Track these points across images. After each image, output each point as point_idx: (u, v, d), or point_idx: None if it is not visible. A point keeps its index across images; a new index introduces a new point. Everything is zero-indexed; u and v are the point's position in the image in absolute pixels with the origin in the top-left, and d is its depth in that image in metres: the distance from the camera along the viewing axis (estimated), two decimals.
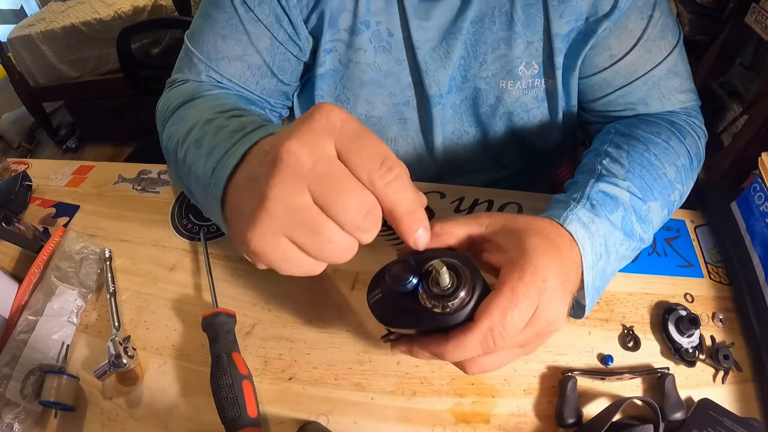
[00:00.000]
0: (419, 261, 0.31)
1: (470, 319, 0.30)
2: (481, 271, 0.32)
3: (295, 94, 0.64)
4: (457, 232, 0.36)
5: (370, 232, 0.28)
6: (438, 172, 0.66)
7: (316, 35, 0.55)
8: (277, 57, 0.55)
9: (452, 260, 0.31)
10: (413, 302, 0.30)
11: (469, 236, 0.36)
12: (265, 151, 0.31)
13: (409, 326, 0.33)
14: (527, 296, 0.30)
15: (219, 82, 0.54)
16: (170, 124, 0.48)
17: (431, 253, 0.32)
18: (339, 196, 0.26)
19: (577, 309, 0.40)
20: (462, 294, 0.30)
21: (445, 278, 0.29)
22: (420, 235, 0.29)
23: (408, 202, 0.28)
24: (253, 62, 0.54)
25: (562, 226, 0.37)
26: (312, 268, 0.29)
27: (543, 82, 0.57)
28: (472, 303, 0.30)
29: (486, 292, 0.31)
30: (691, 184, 0.51)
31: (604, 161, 0.46)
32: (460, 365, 0.34)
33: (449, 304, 0.29)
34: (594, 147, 0.52)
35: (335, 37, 0.55)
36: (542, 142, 0.63)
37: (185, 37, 0.56)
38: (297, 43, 0.55)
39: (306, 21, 0.54)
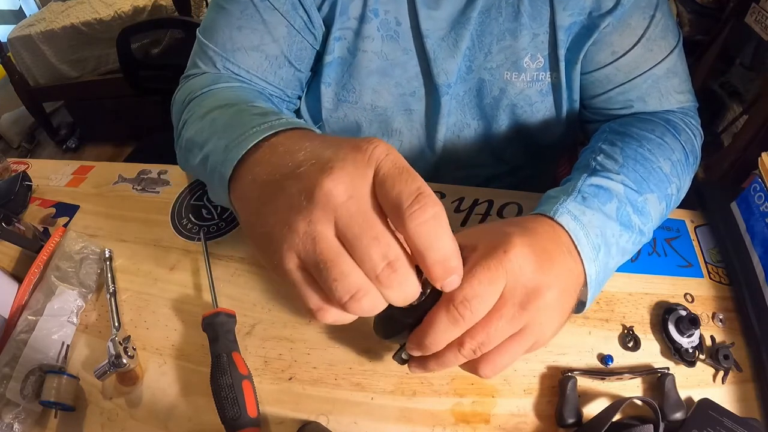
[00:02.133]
0: None
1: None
2: None
3: None
4: None
5: (393, 289, 0.26)
6: (437, 164, 0.66)
7: (328, 24, 0.56)
8: (294, 46, 0.55)
9: None
10: (398, 309, 0.31)
11: None
12: (299, 176, 0.27)
13: (397, 332, 0.33)
14: (488, 268, 0.31)
15: (236, 74, 0.54)
16: (188, 110, 0.48)
17: None
18: (361, 240, 0.25)
19: (577, 304, 0.40)
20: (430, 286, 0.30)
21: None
22: (450, 283, 0.27)
23: (442, 251, 0.25)
24: (271, 52, 0.54)
25: (552, 219, 0.38)
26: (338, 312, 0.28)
27: (548, 75, 0.57)
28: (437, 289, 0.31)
29: None
30: (689, 180, 0.52)
31: (597, 157, 0.47)
32: (471, 368, 0.34)
33: (420, 293, 0.30)
34: (590, 145, 0.52)
35: (345, 25, 0.55)
36: (544, 137, 0.63)
37: (197, 33, 0.56)
38: (312, 32, 0.56)
39: (319, 9, 0.55)
